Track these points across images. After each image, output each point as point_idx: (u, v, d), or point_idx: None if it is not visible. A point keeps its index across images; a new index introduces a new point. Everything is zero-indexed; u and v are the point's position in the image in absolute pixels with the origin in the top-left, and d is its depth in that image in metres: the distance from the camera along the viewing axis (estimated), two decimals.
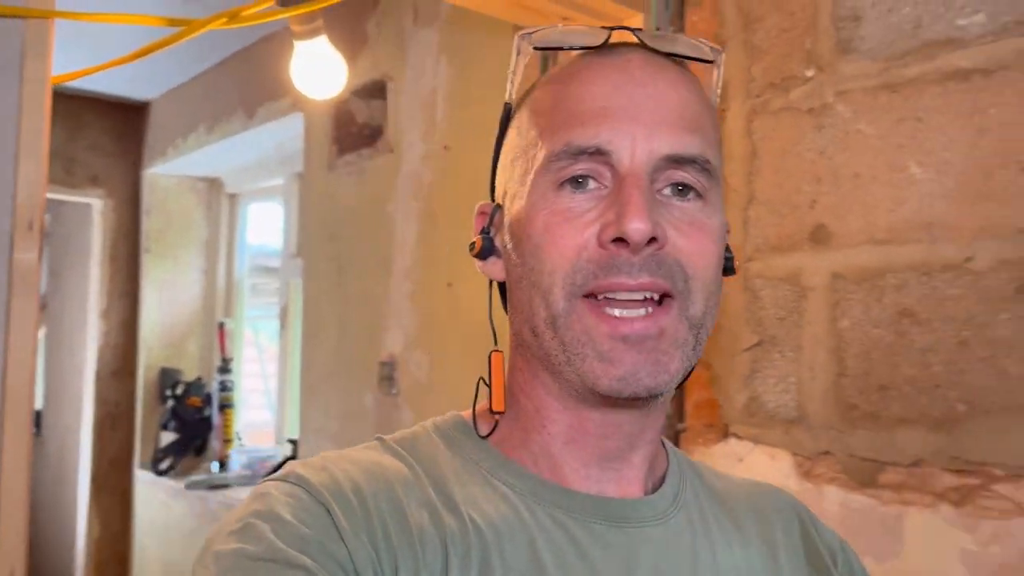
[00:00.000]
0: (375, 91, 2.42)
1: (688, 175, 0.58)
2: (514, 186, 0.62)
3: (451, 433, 0.64)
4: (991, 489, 1.20)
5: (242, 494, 3.03)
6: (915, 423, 1.27)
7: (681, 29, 1.62)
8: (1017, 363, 1.18)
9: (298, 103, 2.71)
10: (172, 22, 1.09)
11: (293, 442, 2.90)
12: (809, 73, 1.43)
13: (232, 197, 3.85)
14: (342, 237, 2.55)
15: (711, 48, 0.63)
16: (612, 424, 0.61)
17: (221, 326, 3.44)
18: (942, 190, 1.27)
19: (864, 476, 1.33)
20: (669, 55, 0.61)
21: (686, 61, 0.63)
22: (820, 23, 1.42)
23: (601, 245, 0.56)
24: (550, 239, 0.57)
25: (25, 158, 0.92)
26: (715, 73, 0.64)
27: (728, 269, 0.63)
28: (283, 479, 0.58)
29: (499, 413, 0.63)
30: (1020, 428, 1.17)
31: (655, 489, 0.64)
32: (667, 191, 0.58)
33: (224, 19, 1.12)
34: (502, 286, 0.67)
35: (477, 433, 0.63)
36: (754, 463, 1.46)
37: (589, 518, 0.60)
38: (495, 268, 0.65)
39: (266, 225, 3.79)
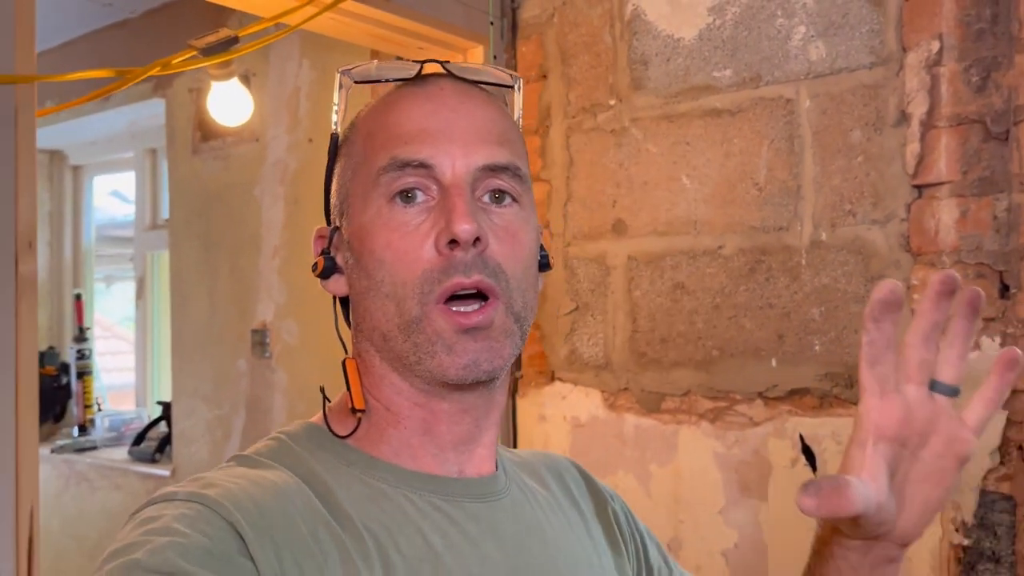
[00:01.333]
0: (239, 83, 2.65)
1: (503, 182, 0.64)
2: (349, 206, 0.66)
3: (309, 440, 0.65)
4: (734, 409, 1.71)
5: (110, 454, 3.21)
6: (685, 365, 1.76)
7: (514, 58, 2.01)
8: (751, 320, 1.68)
9: (159, 89, 2.88)
10: (118, 72, 1.36)
11: (164, 404, 3.11)
12: (612, 102, 1.87)
13: (76, 169, 3.89)
14: (209, 215, 2.78)
15: (510, 75, 0.71)
16: (460, 411, 0.66)
17: (78, 297, 3.54)
18: (703, 196, 1.74)
19: (651, 404, 1.81)
20: (474, 82, 0.68)
21: (491, 87, 0.70)
22: (619, 64, 1.86)
23: (438, 251, 0.61)
24: (393, 254, 0.62)
25: (22, 193, 1.19)
26: (516, 96, 0.71)
27: (544, 265, 0.70)
28: (168, 499, 0.56)
29: (361, 411, 0.66)
30: (752, 365, 1.68)
31: (497, 465, 0.71)
32: (486, 198, 0.64)
33: (158, 67, 1.39)
34: (344, 301, 0.70)
35: (335, 435, 0.65)
36: (574, 400, 1.92)
37: (459, 498, 0.65)
38: (338, 285, 0.68)
39: (111, 195, 3.87)
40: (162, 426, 3.10)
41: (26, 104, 1.21)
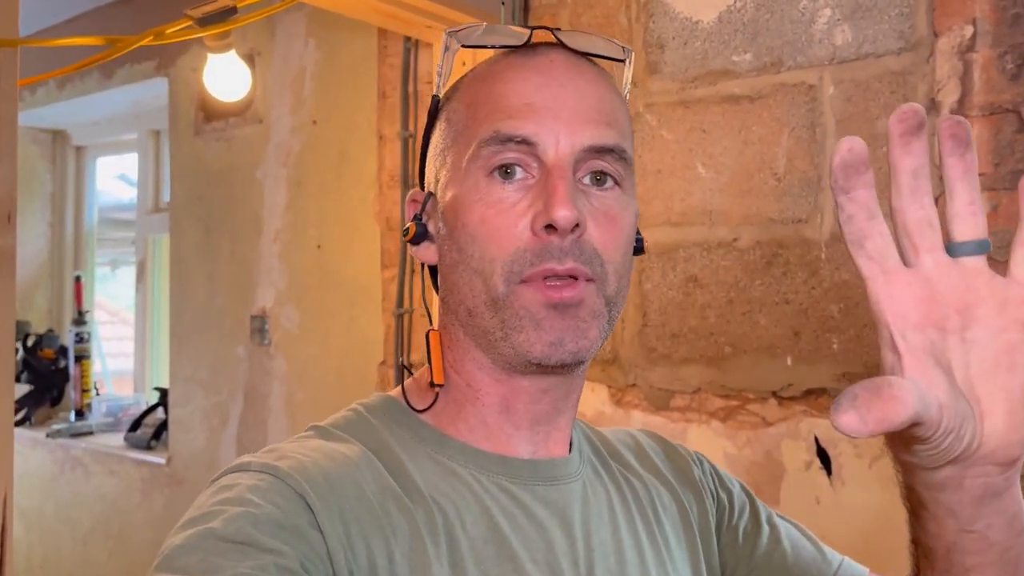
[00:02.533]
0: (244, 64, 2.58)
1: (606, 164, 0.62)
2: (445, 174, 0.65)
3: (386, 414, 0.66)
4: (746, 408, 1.64)
5: (106, 440, 3.16)
6: (696, 361, 1.69)
7: None
8: (766, 316, 1.61)
9: (162, 67, 2.82)
10: (108, 40, 1.30)
11: (162, 390, 3.06)
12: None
13: (79, 150, 3.84)
14: (210, 198, 2.72)
15: (623, 47, 0.68)
16: (541, 391, 0.65)
17: (78, 279, 3.49)
18: (719, 186, 1.67)
19: (660, 402, 1.75)
20: (585, 54, 0.66)
21: (600, 60, 0.67)
22: (634, 47, 1.78)
23: (534, 233, 0.60)
24: (487, 230, 0.61)
25: (1, 163, 1.13)
26: (626, 71, 0.69)
27: (638, 250, 0.68)
28: (243, 469, 0.58)
29: (439, 386, 0.66)
30: (766, 363, 1.61)
31: (571, 447, 0.70)
32: (587, 180, 0.62)
33: (151, 36, 1.33)
34: (433, 269, 0.70)
35: (414, 410, 0.66)
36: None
37: (528, 480, 0.64)
38: (428, 252, 0.67)
39: (116, 179, 3.82)
40: (159, 412, 3.05)
41: (8, 70, 1.16)
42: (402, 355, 2.18)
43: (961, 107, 1.40)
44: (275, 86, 2.49)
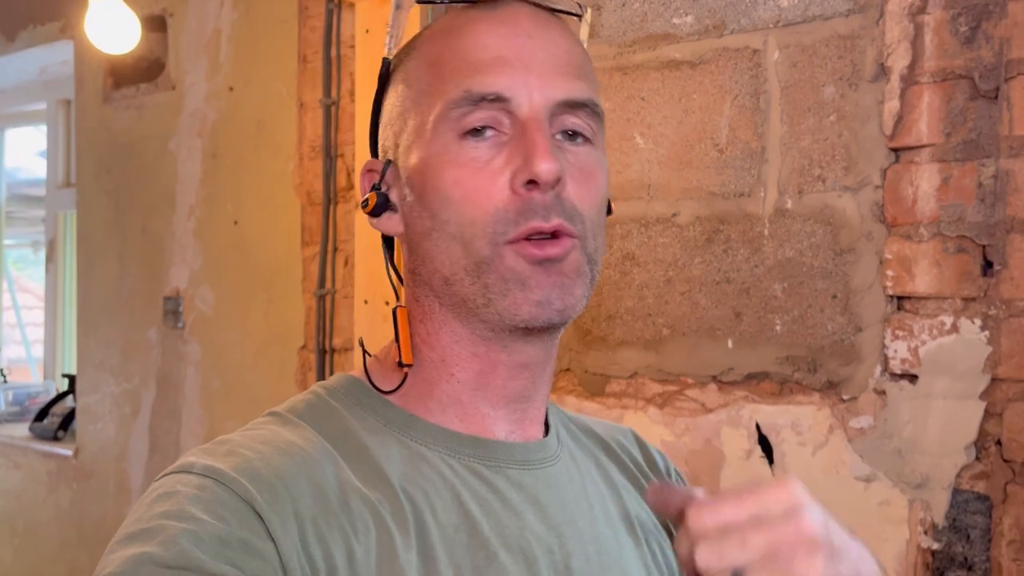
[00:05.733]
0: (154, 25, 2.40)
1: (579, 120, 0.60)
2: (407, 138, 0.62)
3: (349, 396, 0.63)
4: (684, 394, 1.54)
5: (11, 431, 2.96)
6: (632, 344, 1.59)
7: None
8: (706, 296, 1.52)
9: (67, 30, 2.62)
10: None
11: (70, 377, 2.86)
12: None
13: None
14: (120, 171, 2.53)
15: (579, 3, 0.66)
16: (519, 364, 0.62)
17: None
18: (657, 158, 1.57)
19: (594, 387, 1.64)
20: (545, 9, 0.63)
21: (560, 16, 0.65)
22: None
23: (514, 191, 0.57)
24: (462, 192, 0.58)
25: None
26: (584, 27, 0.67)
27: (608, 210, 0.66)
28: (186, 470, 0.54)
29: (407, 366, 0.63)
30: (706, 346, 1.52)
31: (546, 430, 0.68)
32: (559, 136, 0.60)
33: None
34: (389, 241, 0.67)
35: (379, 391, 0.63)
36: None
37: (502, 464, 0.62)
38: (391, 223, 0.64)
39: (24, 152, 3.58)
40: (68, 401, 2.86)
41: None
42: (324, 339, 2.04)
43: (912, 73, 1.31)
44: (188, 50, 2.32)
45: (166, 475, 0.54)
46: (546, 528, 0.61)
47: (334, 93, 2.02)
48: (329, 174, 2.02)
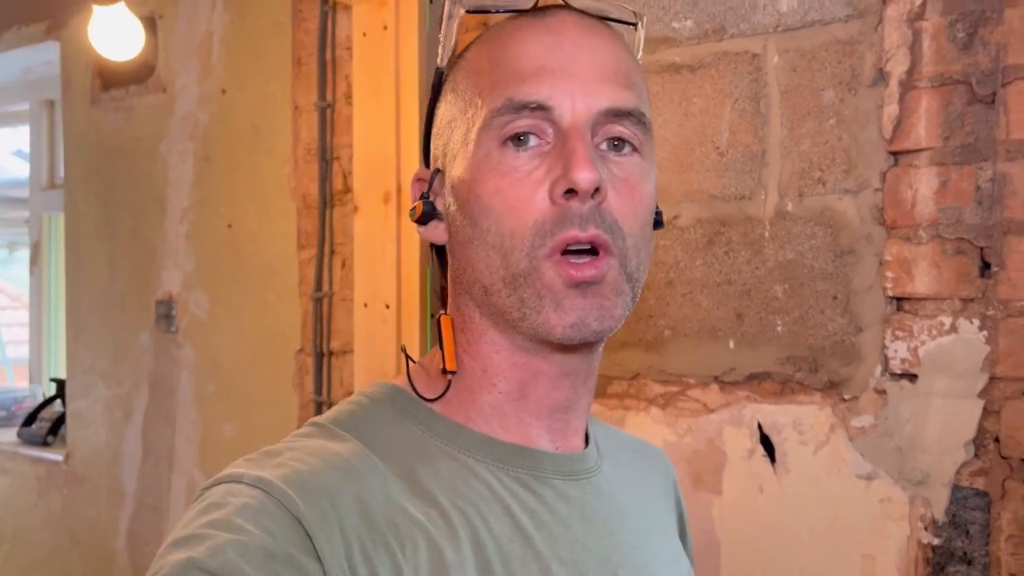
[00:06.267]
0: (143, 27, 2.38)
1: (625, 129, 0.59)
2: (454, 148, 0.62)
3: (392, 405, 0.62)
4: (686, 394, 1.56)
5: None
6: (634, 345, 1.61)
7: None
8: (707, 298, 1.54)
9: (53, 31, 2.59)
10: None
11: (59, 381, 2.84)
12: None
13: None
14: (109, 173, 2.51)
15: (633, 12, 0.65)
16: (561, 374, 0.62)
17: None
18: (658, 160, 1.58)
19: (597, 389, 1.65)
20: (597, 17, 0.63)
21: (612, 24, 0.64)
22: None
23: (552, 201, 0.57)
24: (503, 201, 0.58)
25: None
26: (638, 34, 0.67)
27: (657, 223, 0.65)
28: (236, 480, 0.53)
29: (452, 373, 0.63)
30: (707, 346, 1.54)
31: (587, 440, 0.68)
32: (604, 145, 0.59)
33: None
34: (440, 250, 0.67)
35: (423, 399, 0.62)
36: None
37: (548, 474, 0.62)
38: (436, 232, 0.64)
39: (13, 155, 3.53)
40: (56, 405, 2.83)
41: None
42: (322, 342, 2.04)
43: (910, 77, 1.34)
44: (179, 52, 2.30)
45: (215, 484, 0.54)
46: (594, 540, 0.61)
47: (329, 96, 2.01)
48: (325, 177, 2.02)
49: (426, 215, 0.64)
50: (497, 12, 0.63)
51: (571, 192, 0.56)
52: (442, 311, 0.65)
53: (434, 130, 0.66)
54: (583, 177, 0.55)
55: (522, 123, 0.58)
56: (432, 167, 0.65)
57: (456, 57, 0.65)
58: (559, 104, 0.57)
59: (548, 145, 0.58)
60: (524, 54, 0.59)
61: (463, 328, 0.63)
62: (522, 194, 0.57)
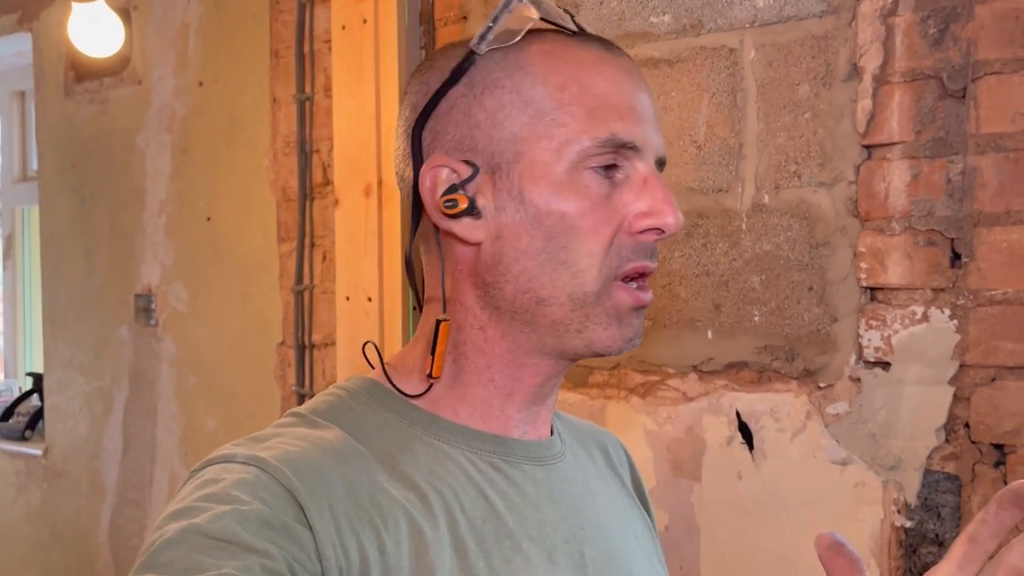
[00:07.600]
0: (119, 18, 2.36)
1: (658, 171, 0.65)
2: (511, 151, 0.61)
3: (371, 398, 0.65)
4: (666, 384, 1.59)
5: None
6: None
7: None
8: (685, 289, 1.56)
9: (25, 21, 2.56)
10: None
11: (36, 375, 2.82)
12: None
13: None
14: (84, 166, 2.49)
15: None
16: (556, 374, 0.66)
17: None
18: None
19: (577, 378, 1.68)
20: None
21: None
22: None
23: (631, 231, 0.61)
24: (589, 224, 0.61)
25: None
26: None
27: None
28: (228, 460, 0.56)
29: (435, 379, 0.64)
30: (686, 337, 1.57)
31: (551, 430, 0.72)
32: None
33: None
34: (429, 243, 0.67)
35: (402, 394, 0.64)
36: None
37: (518, 459, 0.65)
38: (473, 230, 0.62)
39: None
40: (34, 399, 2.81)
41: None
42: (303, 334, 2.05)
43: (883, 73, 1.36)
44: (155, 43, 2.28)
45: (207, 465, 0.56)
46: (561, 519, 0.65)
47: (308, 89, 2.01)
48: (304, 170, 2.02)
49: (462, 211, 0.61)
50: (568, 33, 0.64)
51: (656, 230, 0.61)
52: (443, 316, 0.64)
53: (457, 117, 0.62)
54: (674, 221, 0.61)
55: (615, 157, 0.61)
56: (463, 159, 0.62)
57: (503, 52, 0.62)
58: (645, 148, 0.62)
59: (622, 176, 0.62)
60: (617, 90, 0.62)
61: (481, 326, 0.64)
62: (605, 219, 0.61)
